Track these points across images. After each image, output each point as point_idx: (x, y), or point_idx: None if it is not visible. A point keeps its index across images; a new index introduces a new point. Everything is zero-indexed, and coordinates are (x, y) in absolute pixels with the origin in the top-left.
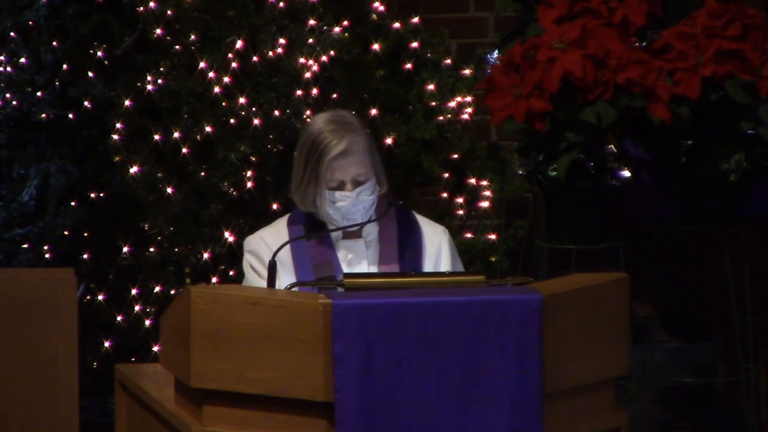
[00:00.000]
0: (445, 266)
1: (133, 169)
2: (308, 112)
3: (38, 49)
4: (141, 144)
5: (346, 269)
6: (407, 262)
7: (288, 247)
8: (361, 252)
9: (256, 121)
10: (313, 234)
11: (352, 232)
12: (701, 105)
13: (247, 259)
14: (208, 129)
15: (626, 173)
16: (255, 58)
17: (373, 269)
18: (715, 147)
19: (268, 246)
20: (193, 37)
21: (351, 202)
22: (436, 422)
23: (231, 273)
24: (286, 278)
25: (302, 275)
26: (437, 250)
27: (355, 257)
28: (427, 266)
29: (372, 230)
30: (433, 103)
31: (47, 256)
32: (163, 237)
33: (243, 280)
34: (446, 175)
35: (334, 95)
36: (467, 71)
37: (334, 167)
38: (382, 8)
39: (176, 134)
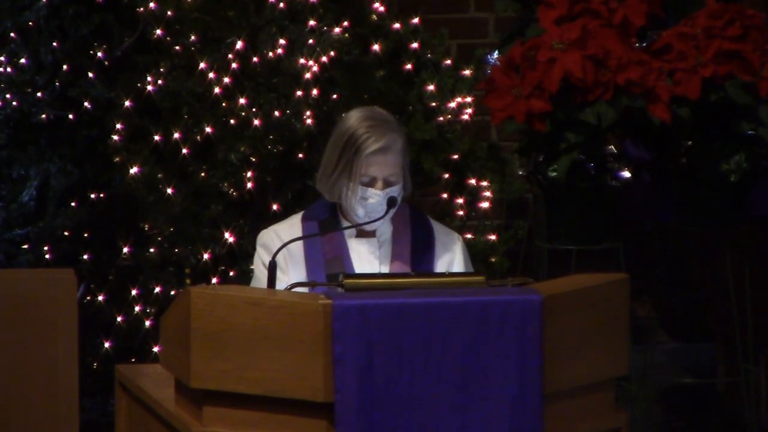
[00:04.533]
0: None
1: (133, 170)
2: (308, 113)
3: (38, 50)
4: (141, 144)
5: (357, 267)
6: (419, 264)
7: (301, 242)
8: (373, 251)
9: (256, 122)
10: (326, 231)
11: (366, 231)
12: (701, 105)
13: (259, 253)
14: (208, 129)
15: (626, 173)
16: (255, 59)
17: (385, 269)
18: (715, 147)
19: (281, 241)
20: (193, 37)
21: (378, 201)
22: (436, 422)
23: (231, 273)
24: (296, 273)
25: (313, 271)
26: (450, 255)
27: (367, 255)
28: (439, 270)
29: (386, 230)
30: (433, 104)
31: (47, 256)
32: (163, 237)
33: (252, 276)
34: (446, 175)
35: (335, 96)
36: (467, 72)
37: (371, 162)
38: (382, 9)
39: (176, 135)
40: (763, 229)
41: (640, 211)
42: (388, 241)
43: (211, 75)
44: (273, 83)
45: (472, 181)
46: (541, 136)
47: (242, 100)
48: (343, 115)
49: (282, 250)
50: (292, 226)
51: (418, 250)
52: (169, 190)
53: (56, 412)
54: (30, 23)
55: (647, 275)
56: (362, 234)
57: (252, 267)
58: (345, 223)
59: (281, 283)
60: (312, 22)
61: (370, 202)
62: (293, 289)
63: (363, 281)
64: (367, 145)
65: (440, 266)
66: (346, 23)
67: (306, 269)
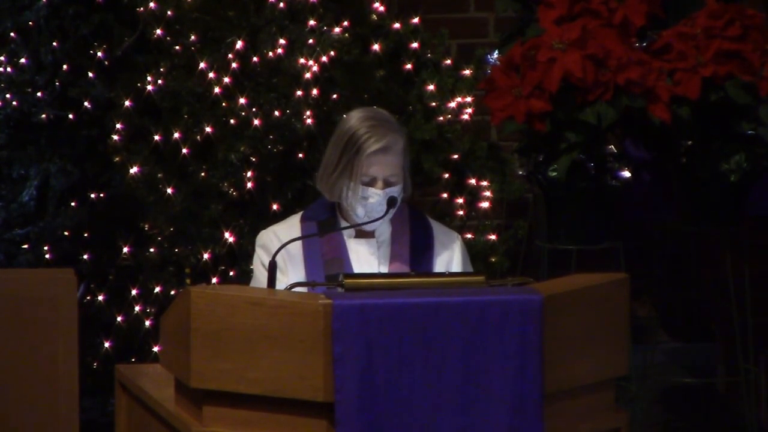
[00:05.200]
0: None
1: (133, 170)
2: (308, 113)
3: (38, 50)
4: (141, 144)
5: (356, 267)
6: (418, 264)
7: (300, 242)
8: (372, 251)
9: (256, 122)
10: (325, 231)
11: (365, 231)
12: (701, 105)
13: (258, 254)
14: (208, 129)
15: (626, 173)
16: (255, 59)
17: (384, 269)
18: (715, 147)
19: (280, 241)
20: (193, 37)
21: (378, 201)
22: (436, 422)
23: (231, 273)
24: (295, 274)
25: (312, 271)
26: (449, 255)
27: (366, 256)
28: (438, 270)
29: (385, 230)
30: (433, 104)
31: (47, 256)
32: (163, 237)
33: (252, 276)
34: (446, 175)
35: (335, 96)
36: (467, 72)
37: (372, 162)
38: (382, 9)
39: (176, 135)
40: (763, 229)
41: (640, 211)
42: (387, 242)
43: (211, 75)
44: (273, 83)
45: (472, 181)
46: (541, 136)
47: (242, 100)
48: (344, 115)
49: (281, 251)
50: (291, 227)
51: (417, 249)
52: (169, 190)
53: (56, 412)
54: (30, 23)
55: (647, 275)
56: (361, 234)
57: (252, 267)
58: (344, 224)
59: (280, 284)
60: (312, 22)
61: (370, 201)
62: (293, 289)
63: (363, 281)
64: (368, 145)
65: (439, 266)
66: (346, 23)
67: (305, 270)
